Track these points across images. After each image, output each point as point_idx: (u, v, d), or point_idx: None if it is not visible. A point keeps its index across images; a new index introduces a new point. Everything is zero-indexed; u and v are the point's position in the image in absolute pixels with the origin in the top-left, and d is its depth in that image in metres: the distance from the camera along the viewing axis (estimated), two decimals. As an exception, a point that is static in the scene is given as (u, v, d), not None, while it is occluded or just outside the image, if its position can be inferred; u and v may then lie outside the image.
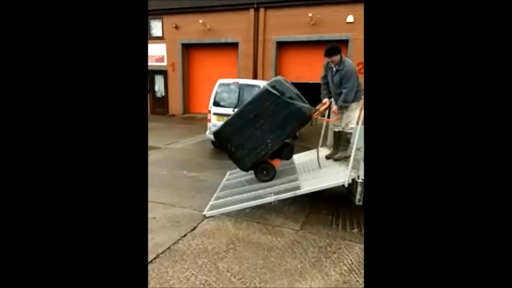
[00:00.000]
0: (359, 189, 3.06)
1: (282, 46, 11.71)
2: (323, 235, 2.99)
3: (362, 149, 3.02)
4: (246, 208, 3.31)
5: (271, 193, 3.28)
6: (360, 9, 10.23)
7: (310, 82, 11.28)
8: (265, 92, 3.44)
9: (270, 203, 3.30)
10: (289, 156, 3.80)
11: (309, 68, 11.63)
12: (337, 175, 3.37)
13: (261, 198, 3.24)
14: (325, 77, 3.91)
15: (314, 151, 4.75)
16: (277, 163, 3.79)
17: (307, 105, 3.55)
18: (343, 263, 2.51)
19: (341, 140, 3.91)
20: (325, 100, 3.81)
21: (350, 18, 10.42)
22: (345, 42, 10.71)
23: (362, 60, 10.37)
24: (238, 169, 4.68)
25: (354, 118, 3.76)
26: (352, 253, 2.66)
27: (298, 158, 4.61)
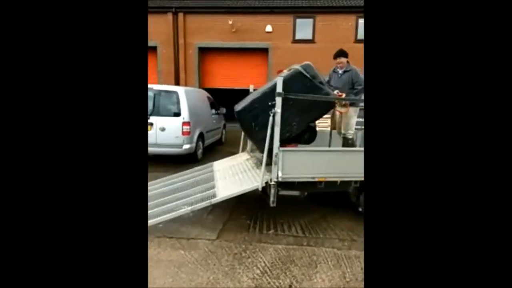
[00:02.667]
0: (272, 191, 3.15)
1: (204, 52, 11.62)
2: (240, 241, 2.98)
3: (273, 152, 3.12)
4: (159, 223, 3.08)
5: (185, 204, 3.12)
6: (277, 19, 10.86)
7: (236, 88, 11.45)
8: (298, 74, 3.36)
9: (188, 213, 3.14)
10: (310, 141, 3.68)
11: (233, 75, 11.80)
12: (253, 179, 3.41)
13: (174, 211, 3.06)
14: (328, 82, 4.06)
15: (237, 155, 4.77)
16: (294, 147, 3.61)
17: (332, 92, 3.63)
18: (257, 266, 2.52)
19: (344, 145, 4.04)
20: (337, 91, 3.80)
21: (268, 28, 10.97)
22: (265, 51, 11.23)
23: (282, 68, 10.99)
24: (153, 181, 4.36)
25: (353, 124, 4.01)
26: (266, 255, 2.70)
27: (220, 163, 4.55)
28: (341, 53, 4.02)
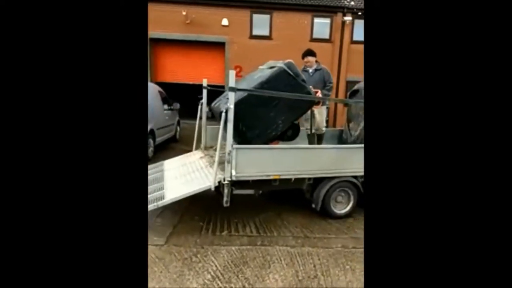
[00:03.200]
0: (226, 190, 3.03)
1: (157, 43, 10.97)
2: (191, 244, 2.81)
3: (227, 150, 3.00)
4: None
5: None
6: (233, 13, 10.66)
7: (190, 83, 11.05)
8: (283, 73, 3.33)
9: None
10: (293, 138, 3.81)
11: (187, 69, 11.36)
12: (205, 179, 3.25)
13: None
14: None
15: (190, 153, 4.54)
16: (276, 144, 3.64)
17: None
18: (208, 271, 2.39)
19: (320, 141, 4.38)
20: (310, 86, 3.83)
21: (225, 21, 10.71)
22: (221, 45, 10.97)
23: (239, 63, 10.87)
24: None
25: (323, 121, 4.36)
26: (218, 258, 2.58)
27: (171, 162, 4.30)
28: (309, 53, 4.19)
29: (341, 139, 5.16)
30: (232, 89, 2.98)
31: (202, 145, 4.66)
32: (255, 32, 10.94)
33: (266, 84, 3.31)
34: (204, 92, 4.63)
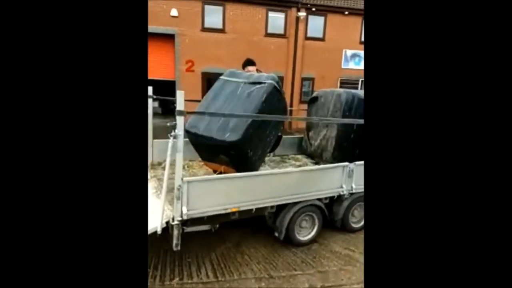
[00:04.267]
0: (176, 232, 2.57)
1: (94, 33, 9.63)
2: (134, 304, 2.31)
3: (176, 184, 2.51)
4: None
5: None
6: (183, 3, 9.78)
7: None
8: (274, 90, 3.24)
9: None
10: (274, 148, 3.95)
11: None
12: (151, 215, 2.73)
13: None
14: None
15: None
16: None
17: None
18: None
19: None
20: None
21: (174, 12, 9.79)
22: (171, 37, 10.05)
23: (190, 57, 10.11)
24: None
25: None
26: (168, 324, 2.14)
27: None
28: (249, 62, 4.15)
29: (300, 147, 4.96)
30: (181, 113, 2.48)
31: (149, 162, 4.06)
32: (208, 24, 10.21)
33: (265, 103, 3.15)
34: (150, 101, 4.02)
